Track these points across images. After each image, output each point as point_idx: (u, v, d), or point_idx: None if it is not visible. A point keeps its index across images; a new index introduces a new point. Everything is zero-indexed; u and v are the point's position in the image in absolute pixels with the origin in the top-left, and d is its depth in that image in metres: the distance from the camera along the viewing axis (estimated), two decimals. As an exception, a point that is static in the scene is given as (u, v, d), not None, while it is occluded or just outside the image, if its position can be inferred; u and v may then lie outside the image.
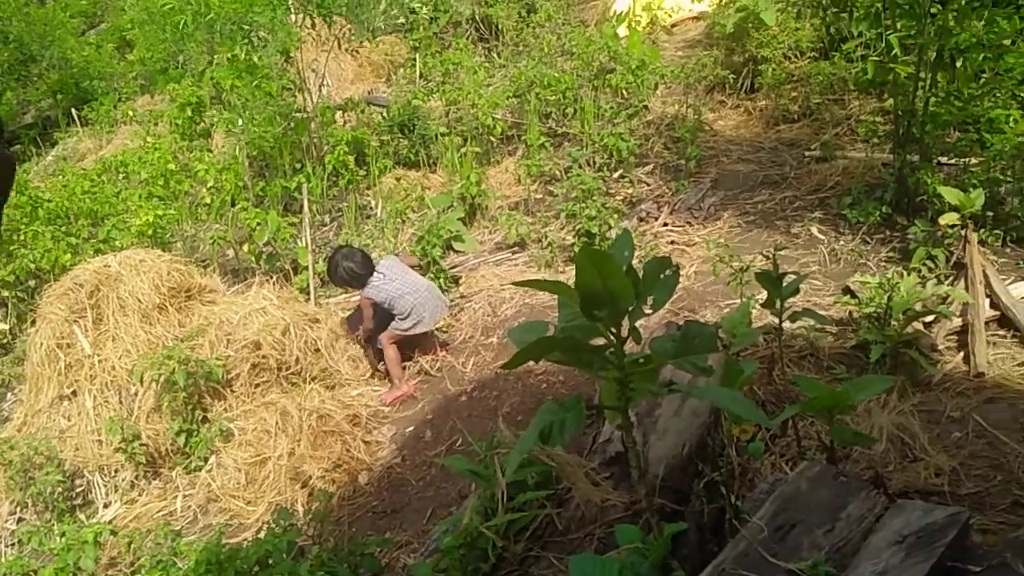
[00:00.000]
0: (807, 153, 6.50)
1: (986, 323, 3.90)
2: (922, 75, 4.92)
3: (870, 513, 2.26)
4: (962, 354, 3.81)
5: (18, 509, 4.58)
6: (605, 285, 1.96)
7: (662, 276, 2.16)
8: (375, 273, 4.96)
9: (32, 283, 6.33)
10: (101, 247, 6.20)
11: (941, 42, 4.69)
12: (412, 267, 5.27)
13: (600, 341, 2.11)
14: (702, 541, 2.69)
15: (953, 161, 5.40)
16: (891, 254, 4.85)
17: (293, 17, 8.61)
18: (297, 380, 4.95)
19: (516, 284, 2.28)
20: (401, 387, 4.96)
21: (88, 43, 14.84)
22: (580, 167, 6.39)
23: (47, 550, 4.01)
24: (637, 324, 2.13)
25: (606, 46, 7.76)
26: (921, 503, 2.29)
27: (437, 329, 5.28)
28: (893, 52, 4.97)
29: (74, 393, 4.85)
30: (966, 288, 4.08)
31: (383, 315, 5.08)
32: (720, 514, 2.77)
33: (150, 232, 6.19)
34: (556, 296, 2.19)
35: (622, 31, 8.87)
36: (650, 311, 2.17)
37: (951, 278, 4.30)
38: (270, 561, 3.17)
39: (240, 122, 6.99)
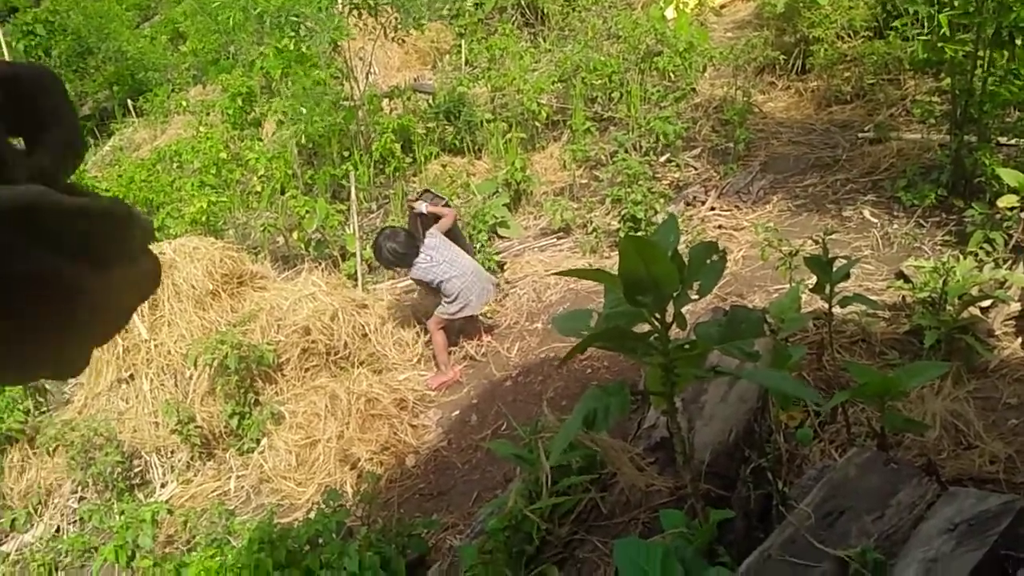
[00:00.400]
0: (860, 135, 6.34)
1: (1046, 308, 3.77)
2: (980, 53, 4.76)
3: (921, 500, 2.22)
4: (1019, 340, 3.69)
5: (79, 488, 4.76)
6: (649, 271, 1.95)
7: (709, 261, 2.14)
8: (421, 254, 4.88)
9: (91, 270, 6.53)
10: (156, 234, 6.36)
11: (999, 19, 4.53)
12: (441, 216, 5.13)
13: (645, 327, 2.11)
14: (748, 527, 2.67)
15: (1012, 142, 5.22)
16: (947, 237, 4.72)
17: (340, 7, 8.70)
18: (345, 364, 5.03)
19: (558, 274, 2.29)
20: (447, 372, 5.00)
21: (143, 35, 15.21)
22: (626, 151, 6.35)
23: (107, 528, 4.16)
24: (684, 310, 2.11)
25: (653, 28, 7.67)
26: (974, 490, 2.24)
27: (482, 315, 5.31)
28: (943, 31, 4.82)
29: (131, 376, 5.00)
30: (1025, 272, 3.95)
31: (430, 294, 5.09)
32: (767, 500, 2.75)
33: (203, 219, 6.34)
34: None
35: (670, 13, 8.74)
36: (696, 296, 2.15)
37: (1009, 262, 4.16)
38: (320, 541, 3.25)
39: (304, 111, 7.08)
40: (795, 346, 2.88)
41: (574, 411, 2.16)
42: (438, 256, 4.92)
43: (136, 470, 4.80)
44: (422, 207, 5.12)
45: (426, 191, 5.38)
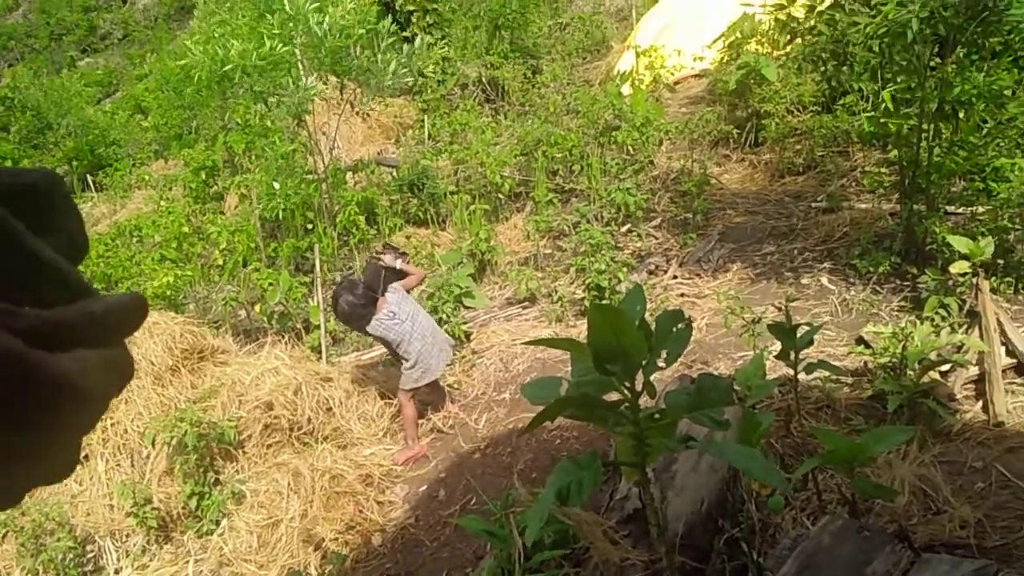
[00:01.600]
0: (813, 204, 6.55)
1: (1003, 371, 3.86)
2: (924, 127, 4.98)
3: (896, 568, 2.22)
4: (980, 403, 3.76)
5: (28, 577, 4.53)
6: (618, 340, 1.96)
7: (675, 329, 2.17)
8: (384, 309, 4.77)
9: (46, 347, 6.35)
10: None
11: (941, 95, 4.76)
12: (408, 277, 5.06)
13: (615, 396, 2.11)
14: (724, 600, 2.64)
15: (960, 210, 5.43)
16: (903, 303, 4.85)
17: (304, 79, 8.83)
18: (309, 440, 4.92)
19: (528, 343, 2.29)
20: (414, 447, 4.91)
21: (104, 111, 15.23)
22: (588, 222, 6.45)
23: (58, 619, 3.95)
24: (651, 378, 2.12)
25: (611, 104, 7.91)
26: (948, 557, 2.25)
27: (448, 386, 5.26)
28: (884, 107, 5.04)
29: (86, 457, 4.82)
30: (981, 336, 4.06)
31: (389, 353, 4.98)
32: (742, 571, 2.72)
33: (166, 294, 6.25)
34: (567, 352, 2.19)
35: (626, 90, 9.06)
36: (664, 365, 2.17)
37: (965, 326, 4.28)
38: (283, 627, 3.11)
39: (276, 185, 7.09)
40: (763, 413, 2.90)
41: (547, 485, 2.13)
42: (401, 313, 4.80)
43: (89, 556, 4.58)
44: (395, 262, 5.00)
45: (387, 246, 5.27)
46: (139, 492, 4.48)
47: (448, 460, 4.73)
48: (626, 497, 3.03)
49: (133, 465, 4.77)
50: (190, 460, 4.54)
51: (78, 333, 0.37)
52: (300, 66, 7.90)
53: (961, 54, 4.91)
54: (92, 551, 4.60)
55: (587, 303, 5.55)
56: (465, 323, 5.96)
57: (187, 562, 4.46)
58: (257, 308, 6.34)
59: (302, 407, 4.97)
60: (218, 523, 4.50)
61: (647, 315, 2.15)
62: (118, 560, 4.57)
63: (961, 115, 5.12)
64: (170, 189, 9.92)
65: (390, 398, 5.21)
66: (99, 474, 4.72)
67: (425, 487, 4.60)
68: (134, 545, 4.60)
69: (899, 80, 5.07)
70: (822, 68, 7.10)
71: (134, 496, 4.44)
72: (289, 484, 4.46)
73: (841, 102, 6.85)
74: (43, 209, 0.42)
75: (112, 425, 4.83)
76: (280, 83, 7.66)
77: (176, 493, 4.63)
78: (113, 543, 4.60)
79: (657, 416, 2.17)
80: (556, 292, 5.95)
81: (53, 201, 0.42)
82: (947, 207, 5.46)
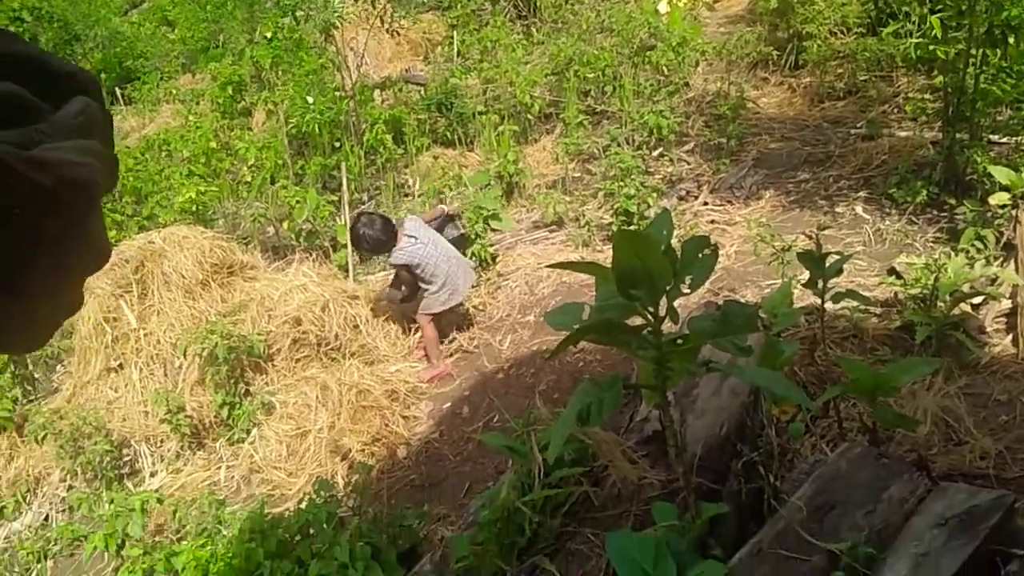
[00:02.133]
0: (852, 131, 6.37)
1: (1036, 305, 3.80)
2: (972, 52, 4.78)
3: (912, 495, 2.23)
4: (1011, 336, 3.72)
5: (68, 477, 4.73)
6: (642, 264, 1.95)
7: (700, 255, 2.14)
8: (405, 236, 4.84)
9: (79, 259, 6.45)
10: (145, 224, 6.32)
11: (991, 18, 4.55)
12: (434, 220, 5.27)
13: (638, 321, 2.11)
14: (739, 521, 2.68)
15: (1004, 140, 5.25)
16: (938, 235, 4.75)
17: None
18: (336, 356, 5.01)
19: (552, 266, 2.27)
20: (438, 365, 4.99)
21: (130, 22, 15.06)
22: (619, 145, 6.34)
23: (96, 516, 4.14)
24: (676, 304, 2.11)
25: (646, 22, 7.65)
26: (965, 486, 2.26)
27: (473, 307, 5.30)
28: (934, 33, 4.84)
29: (121, 366, 4.97)
30: (1016, 270, 3.97)
31: (414, 285, 5.02)
32: (758, 494, 2.76)
33: (192, 209, 6.30)
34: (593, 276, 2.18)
35: (663, 8, 8.73)
36: (688, 290, 2.15)
37: (1000, 259, 4.19)
38: (311, 531, 3.24)
39: (310, 100, 7.03)
40: (787, 341, 2.89)
41: (568, 405, 2.16)
42: (422, 237, 4.87)
43: (125, 459, 4.77)
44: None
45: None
46: (172, 400, 4.62)
47: (472, 379, 4.80)
48: (646, 419, 3.07)
49: (166, 374, 4.91)
50: (221, 371, 4.65)
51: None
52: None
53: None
54: (128, 455, 4.79)
55: (615, 228, 5.51)
56: (491, 245, 5.95)
57: (219, 468, 4.63)
58: (285, 225, 6.38)
59: (329, 323, 5.04)
60: (248, 432, 4.65)
61: (675, 241, 2.13)
62: (153, 464, 4.76)
63: (1011, 40, 4.90)
64: (197, 103, 9.88)
65: (414, 320, 5.26)
66: (133, 382, 4.87)
67: (449, 404, 4.69)
68: (168, 450, 4.77)
69: (948, 3, 4.84)
70: (870, -13, 6.84)
71: (168, 404, 4.58)
72: (317, 397, 4.58)
73: (888, 27, 6.57)
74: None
75: (145, 335, 4.95)
76: None
77: (208, 402, 4.77)
78: (148, 448, 4.77)
79: (679, 341, 2.17)
80: (584, 216, 5.90)
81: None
82: (991, 136, 5.28)
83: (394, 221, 5.02)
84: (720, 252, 4.52)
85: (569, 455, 2.78)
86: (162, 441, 4.81)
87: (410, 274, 4.95)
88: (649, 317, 2.08)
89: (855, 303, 3.63)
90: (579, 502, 2.69)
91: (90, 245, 0.46)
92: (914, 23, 6.25)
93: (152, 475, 4.74)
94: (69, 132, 0.43)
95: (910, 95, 6.34)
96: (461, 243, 5.40)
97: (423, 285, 4.92)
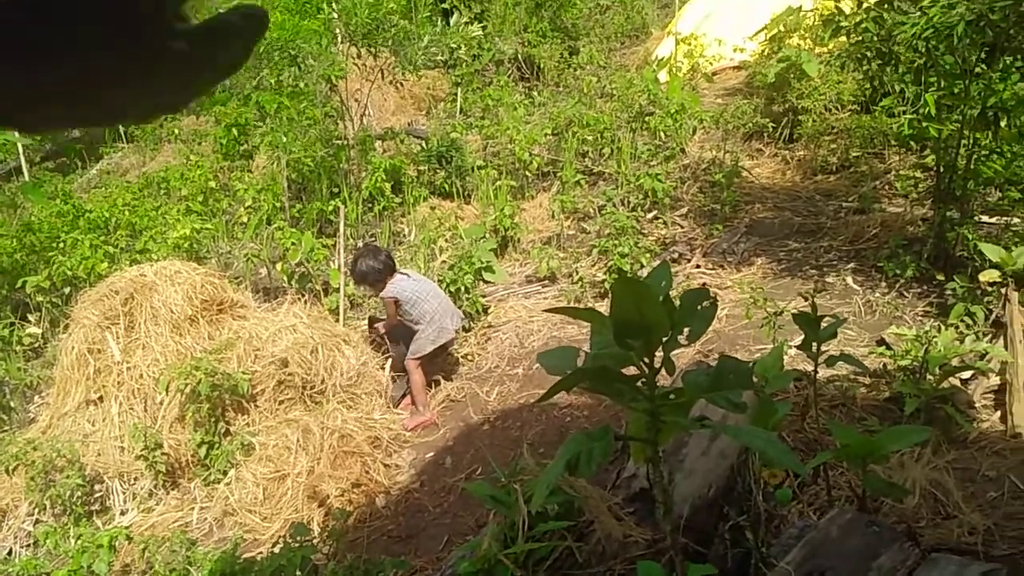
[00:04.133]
0: (844, 204, 6.46)
1: (1025, 383, 3.80)
2: (965, 132, 4.89)
3: (903, 566, 2.20)
4: (999, 413, 3.71)
5: (36, 511, 4.59)
6: (641, 314, 1.94)
7: (699, 307, 2.14)
8: (397, 273, 5.00)
9: (67, 290, 6.42)
10: (138, 258, 6.30)
11: (984, 101, 4.67)
12: None
13: (632, 371, 2.09)
14: (725, 585, 2.63)
15: (994, 220, 5.33)
16: (928, 308, 4.78)
17: (339, 46, 8.81)
18: (321, 399, 4.95)
19: (550, 311, 2.26)
20: (424, 413, 4.94)
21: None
22: (614, 206, 6.41)
23: (62, 552, 4.01)
24: (671, 355, 2.10)
25: (646, 89, 7.82)
26: (956, 558, 2.22)
27: (462, 357, 5.27)
28: (928, 111, 4.96)
29: (100, 399, 4.88)
30: (1005, 347, 3.99)
31: (404, 329, 5.06)
32: (743, 559, 2.71)
33: (186, 245, 6.29)
34: (584, 330, 2.18)
35: (663, 76, 8.96)
36: (686, 342, 2.14)
37: (989, 336, 4.21)
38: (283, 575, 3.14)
39: (283, 139, 7.11)
40: (780, 402, 2.87)
41: (557, 454, 2.12)
42: (413, 275, 5.10)
43: (97, 495, 4.64)
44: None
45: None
46: (150, 437, 4.53)
47: (457, 429, 4.74)
48: (633, 476, 3.03)
49: (146, 410, 4.82)
50: (202, 409, 4.58)
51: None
52: (337, 32, 7.89)
53: (1007, 61, 4.82)
54: (100, 491, 4.66)
55: (608, 285, 5.52)
56: (483, 297, 5.95)
57: (192, 508, 4.52)
58: (278, 267, 6.36)
59: (316, 367, 4.99)
60: (225, 473, 4.55)
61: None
62: (124, 502, 4.63)
63: (1003, 122, 5.02)
64: (200, 144, 9.95)
65: (403, 370, 5.22)
66: (112, 416, 4.78)
67: (432, 454, 4.61)
68: (141, 488, 4.65)
69: (942, 84, 4.98)
70: (865, 67, 7.01)
71: (145, 440, 4.49)
72: (298, 440, 4.50)
73: (881, 104, 6.73)
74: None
75: (128, 369, 4.88)
76: (312, 51, 7.67)
77: (186, 441, 4.68)
78: (121, 484, 4.66)
79: (673, 395, 2.15)
80: (577, 273, 5.92)
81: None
82: (981, 216, 5.36)
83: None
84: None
85: (554, 509, 2.72)
86: (136, 479, 4.69)
87: (397, 310, 5.01)
88: (644, 368, 2.07)
89: (844, 372, 3.63)
90: (562, 557, 2.63)
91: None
92: (908, 101, 6.41)
93: (123, 513, 4.61)
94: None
95: (901, 172, 6.45)
96: None
97: (410, 324, 4.95)
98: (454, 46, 10.48)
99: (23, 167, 9.78)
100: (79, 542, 3.84)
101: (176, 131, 11.14)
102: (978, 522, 2.95)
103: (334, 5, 8.47)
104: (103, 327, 4.97)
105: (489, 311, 5.82)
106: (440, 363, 5.14)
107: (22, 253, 6.75)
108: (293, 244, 6.11)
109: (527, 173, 7.69)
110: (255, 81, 9.32)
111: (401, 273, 5.01)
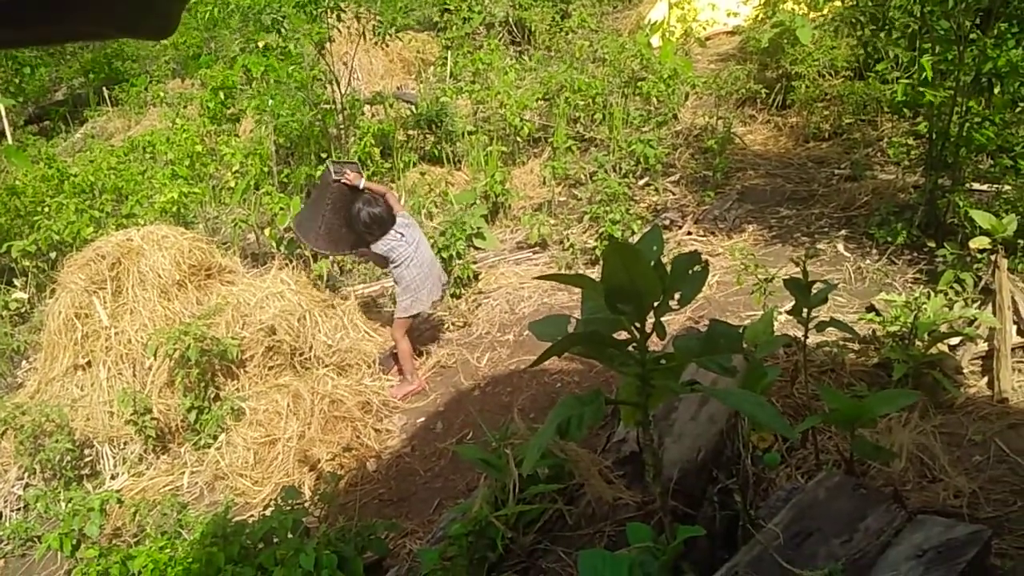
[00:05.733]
0: (836, 171, 6.44)
1: (1012, 349, 3.82)
2: (958, 99, 4.87)
3: (889, 527, 2.22)
4: (986, 379, 3.74)
5: (25, 475, 4.59)
6: (632, 279, 1.93)
7: (691, 271, 2.13)
8: (395, 231, 4.83)
9: (53, 255, 6.35)
10: (124, 222, 6.23)
11: (978, 67, 4.64)
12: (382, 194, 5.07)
13: (624, 336, 2.08)
14: (712, 547, 2.65)
15: (985, 187, 5.33)
16: (918, 275, 4.79)
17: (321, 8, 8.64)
18: (310, 365, 4.94)
19: (541, 278, 2.24)
20: (412, 382, 4.92)
21: (123, 24, 14.97)
22: (606, 172, 6.37)
23: (52, 515, 4.02)
24: (662, 320, 2.09)
25: (639, 54, 7.74)
26: (942, 519, 2.25)
27: (452, 323, 5.26)
28: (924, 76, 4.92)
29: (89, 363, 4.86)
30: (994, 313, 4.01)
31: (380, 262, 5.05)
32: (731, 521, 2.73)
33: (173, 210, 6.22)
34: (575, 297, 2.17)
35: (655, 41, 8.85)
36: (677, 306, 2.14)
37: (978, 303, 4.23)
38: (275, 538, 3.16)
39: (270, 102, 7.00)
40: (770, 367, 2.88)
41: (548, 418, 2.12)
42: (408, 236, 4.87)
43: (86, 460, 4.64)
44: (359, 180, 4.94)
45: (345, 162, 5.29)
46: (139, 401, 4.52)
47: (448, 395, 4.75)
48: (623, 440, 3.04)
49: (135, 375, 4.81)
50: (191, 374, 4.57)
51: None
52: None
53: (1003, 27, 4.78)
54: (89, 455, 4.67)
55: (599, 251, 5.51)
56: (474, 263, 5.93)
57: (183, 473, 4.52)
58: (267, 232, 6.30)
59: (305, 334, 4.97)
60: (215, 438, 4.55)
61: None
62: (114, 466, 4.64)
63: (996, 90, 5.00)
64: (185, 107, 9.81)
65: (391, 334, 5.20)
66: (100, 381, 4.76)
67: (423, 419, 4.62)
68: (131, 453, 4.66)
69: (936, 50, 4.93)
70: (859, 32, 6.96)
71: (134, 405, 4.48)
72: (288, 405, 4.50)
73: (875, 69, 6.68)
74: None
75: (116, 334, 4.85)
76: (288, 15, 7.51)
77: (176, 405, 4.67)
78: (111, 449, 4.66)
79: (664, 360, 2.15)
80: (568, 239, 5.90)
81: None
82: (972, 183, 5.36)
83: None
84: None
85: (545, 472, 2.74)
86: (126, 443, 4.69)
87: (383, 261, 4.97)
88: (635, 332, 2.06)
89: (834, 338, 3.64)
90: (553, 519, 2.65)
91: None
92: (902, 67, 6.37)
93: (113, 477, 4.62)
94: None
95: (894, 139, 6.43)
96: None
97: (390, 277, 4.90)
98: (448, 3, 10.29)
99: (6, 130, 9.62)
100: (70, 505, 3.84)
101: (161, 94, 10.98)
102: (964, 485, 2.99)
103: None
104: (90, 292, 4.93)
105: (480, 277, 5.80)
106: (431, 330, 5.13)
107: (7, 217, 6.66)
108: (281, 209, 6.05)
109: (518, 139, 7.63)
110: (242, 45, 9.17)
111: (397, 231, 4.82)
